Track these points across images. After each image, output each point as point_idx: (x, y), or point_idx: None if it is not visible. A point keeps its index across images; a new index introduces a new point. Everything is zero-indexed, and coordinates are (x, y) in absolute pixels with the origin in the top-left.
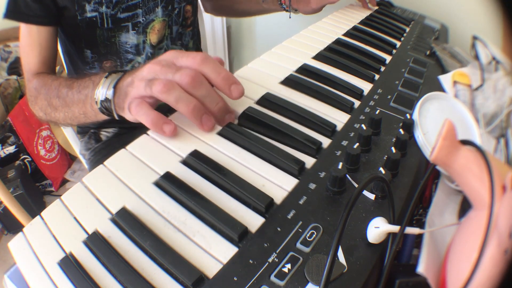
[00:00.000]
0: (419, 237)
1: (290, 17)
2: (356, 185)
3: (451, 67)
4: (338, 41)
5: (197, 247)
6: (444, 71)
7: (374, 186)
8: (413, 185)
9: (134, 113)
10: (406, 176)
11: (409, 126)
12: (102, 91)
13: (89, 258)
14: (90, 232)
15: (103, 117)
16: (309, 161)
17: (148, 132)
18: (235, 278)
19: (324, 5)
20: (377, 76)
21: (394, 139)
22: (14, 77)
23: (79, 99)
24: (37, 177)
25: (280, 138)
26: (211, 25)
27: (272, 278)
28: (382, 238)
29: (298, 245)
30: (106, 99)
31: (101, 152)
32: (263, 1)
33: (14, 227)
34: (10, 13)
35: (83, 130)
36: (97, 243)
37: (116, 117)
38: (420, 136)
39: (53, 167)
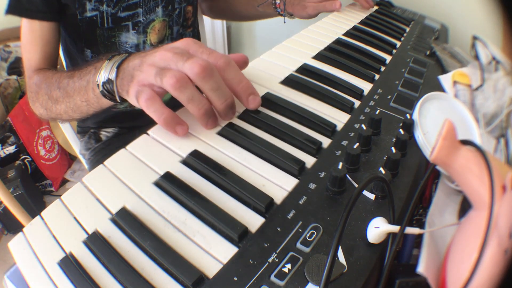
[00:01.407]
0: (419, 237)
1: (284, 22)
2: (356, 185)
3: (451, 67)
4: (338, 41)
5: (197, 247)
6: (444, 71)
7: (374, 186)
8: (413, 185)
9: (143, 106)
10: (406, 176)
11: (409, 126)
12: (104, 73)
13: (89, 258)
14: (90, 232)
15: (106, 102)
16: (309, 161)
17: (148, 132)
18: (235, 278)
19: (321, 12)
20: (377, 76)
21: (394, 139)
22: (14, 77)
23: (81, 86)
24: (37, 177)
25: (280, 138)
26: (211, 25)
27: (272, 278)
28: (382, 238)
29: (298, 245)
30: (109, 80)
31: (101, 152)
32: (258, 6)
33: (14, 227)
34: (13, 9)
35: (83, 130)
36: (97, 243)
37: (118, 100)
38: (420, 136)
39: (53, 167)
